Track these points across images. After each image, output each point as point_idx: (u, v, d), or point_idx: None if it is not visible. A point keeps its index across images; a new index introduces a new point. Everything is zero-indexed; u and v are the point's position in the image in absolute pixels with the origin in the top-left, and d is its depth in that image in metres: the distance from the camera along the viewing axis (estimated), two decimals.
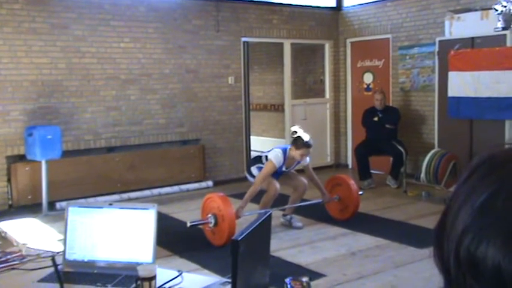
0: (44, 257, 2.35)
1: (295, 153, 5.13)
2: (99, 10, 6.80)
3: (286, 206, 5.54)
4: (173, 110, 7.45)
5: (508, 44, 6.02)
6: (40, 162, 6.09)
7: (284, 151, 5.19)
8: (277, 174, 5.29)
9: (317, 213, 5.87)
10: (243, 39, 7.99)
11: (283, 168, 5.27)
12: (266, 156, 5.27)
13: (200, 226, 4.97)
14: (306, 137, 5.11)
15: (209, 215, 4.85)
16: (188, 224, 4.81)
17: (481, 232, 0.54)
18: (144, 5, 7.14)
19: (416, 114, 7.84)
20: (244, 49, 8.00)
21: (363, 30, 8.59)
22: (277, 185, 5.22)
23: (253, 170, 5.36)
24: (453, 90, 6.41)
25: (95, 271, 2.20)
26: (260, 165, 5.31)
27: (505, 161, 0.58)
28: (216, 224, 4.81)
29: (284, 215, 5.57)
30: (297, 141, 5.12)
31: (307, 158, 5.33)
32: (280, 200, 5.58)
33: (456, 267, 0.56)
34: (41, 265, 2.27)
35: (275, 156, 5.14)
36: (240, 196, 6.52)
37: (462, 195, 0.58)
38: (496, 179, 0.56)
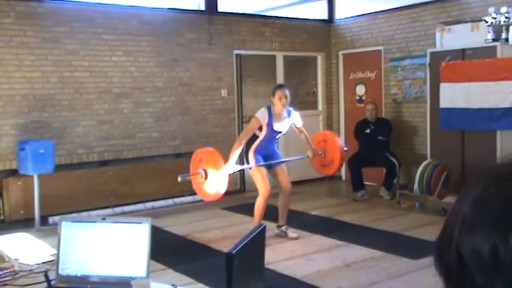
0: (36, 273, 2.33)
1: (275, 102, 5.27)
2: (91, 24, 6.80)
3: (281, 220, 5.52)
4: (166, 123, 7.44)
5: (498, 55, 6.07)
6: (32, 176, 6.06)
7: (268, 107, 5.33)
8: (270, 131, 5.30)
9: (311, 225, 5.87)
10: (236, 51, 8.02)
11: (274, 127, 5.31)
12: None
13: (189, 179, 5.20)
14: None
15: (200, 170, 5.02)
16: (179, 179, 5.04)
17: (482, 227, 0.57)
18: (136, 18, 7.15)
19: (408, 126, 7.88)
20: (236, 62, 8.03)
21: (354, 42, 8.64)
22: (268, 185, 5.30)
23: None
24: (445, 102, 6.46)
25: (89, 286, 2.18)
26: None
27: (507, 177, 0.59)
28: (205, 177, 4.97)
29: (279, 226, 5.54)
30: (272, 92, 5.32)
31: (299, 120, 5.46)
32: (271, 215, 5.57)
33: (459, 267, 0.59)
34: (34, 281, 2.25)
35: (259, 112, 5.29)
36: (234, 209, 6.51)
37: (466, 209, 0.60)
38: (503, 193, 0.57)
